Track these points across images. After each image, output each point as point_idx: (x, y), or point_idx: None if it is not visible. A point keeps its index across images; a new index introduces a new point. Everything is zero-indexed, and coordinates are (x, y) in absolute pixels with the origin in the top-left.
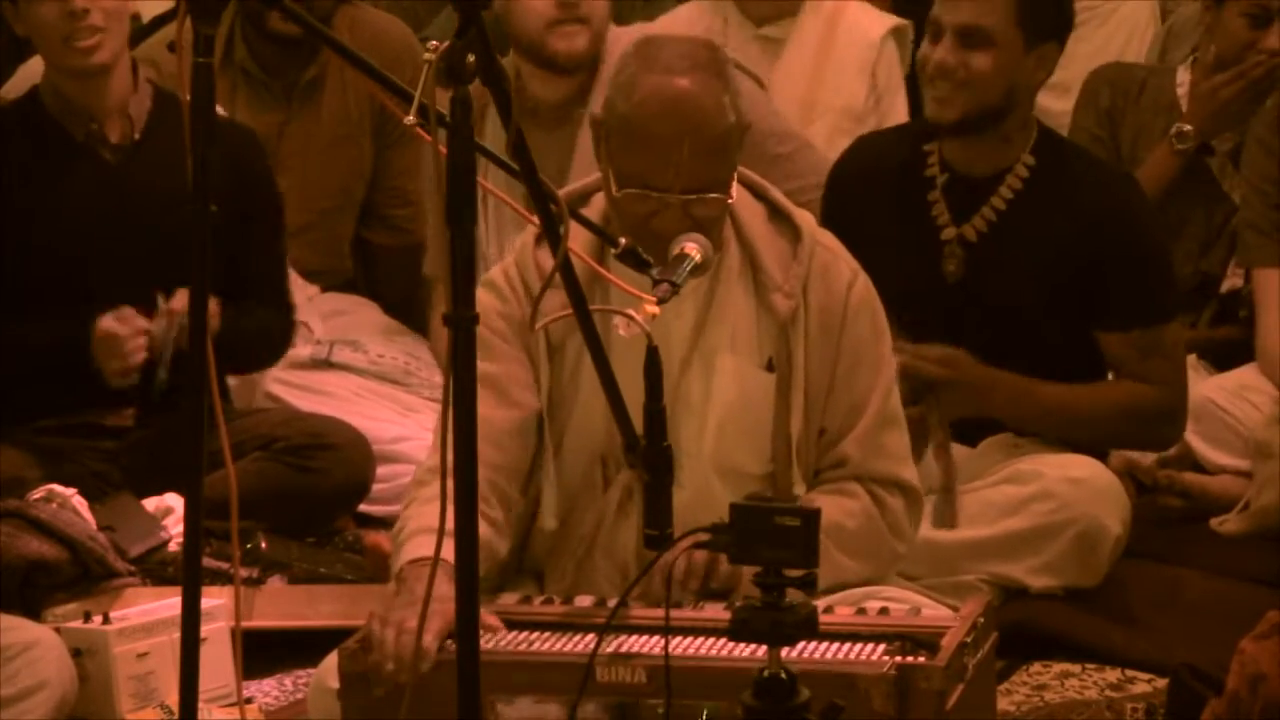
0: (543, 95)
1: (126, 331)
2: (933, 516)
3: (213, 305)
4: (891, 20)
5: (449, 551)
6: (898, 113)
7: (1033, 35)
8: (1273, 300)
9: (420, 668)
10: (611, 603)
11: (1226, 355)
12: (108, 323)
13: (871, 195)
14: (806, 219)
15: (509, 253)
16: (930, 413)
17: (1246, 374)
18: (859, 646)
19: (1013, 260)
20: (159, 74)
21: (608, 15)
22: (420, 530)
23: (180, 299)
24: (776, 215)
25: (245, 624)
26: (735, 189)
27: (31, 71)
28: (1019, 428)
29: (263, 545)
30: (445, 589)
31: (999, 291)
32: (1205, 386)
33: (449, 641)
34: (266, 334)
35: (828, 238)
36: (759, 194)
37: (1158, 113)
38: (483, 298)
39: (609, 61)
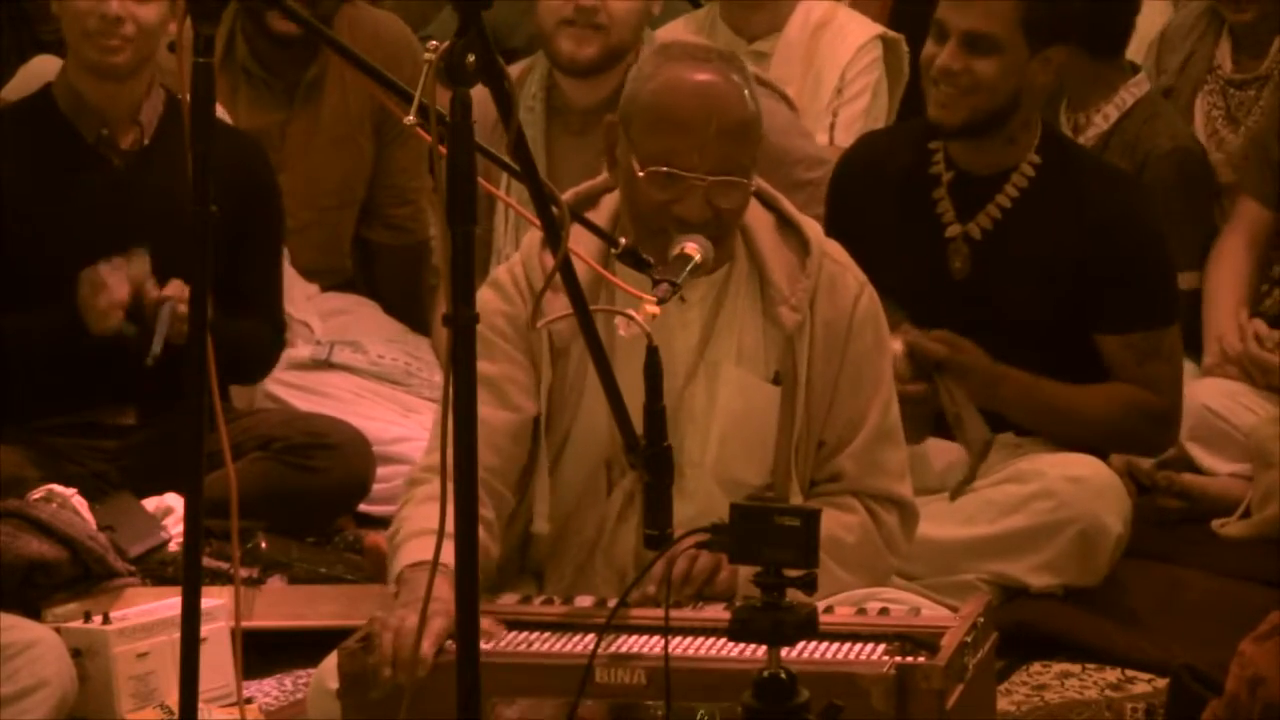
0: (573, 98)
1: (108, 268)
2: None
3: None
4: (877, 29)
5: (448, 553)
6: (857, 112)
7: (1036, 39)
8: (1241, 226)
9: (418, 673)
10: (611, 603)
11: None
12: (91, 269)
13: (876, 193)
14: (815, 229)
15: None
16: (941, 389)
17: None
18: (859, 646)
19: (1018, 259)
20: (161, 74)
21: (634, 23)
22: (419, 532)
23: (172, 286)
24: (785, 225)
25: (245, 624)
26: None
27: (33, 72)
28: (1021, 423)
29: (263, 545)
30: (445, 591)
31: (1004, 290)
32: (1201, 393)
33: (449, 642)
34: (251, 343)
35: (835, 248)
36: (768, 203)
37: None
38: (487, 297)
39: None
